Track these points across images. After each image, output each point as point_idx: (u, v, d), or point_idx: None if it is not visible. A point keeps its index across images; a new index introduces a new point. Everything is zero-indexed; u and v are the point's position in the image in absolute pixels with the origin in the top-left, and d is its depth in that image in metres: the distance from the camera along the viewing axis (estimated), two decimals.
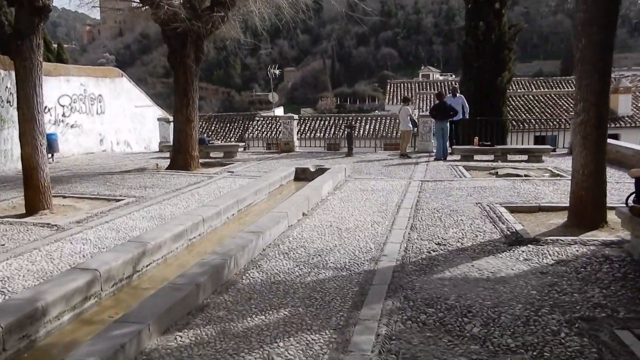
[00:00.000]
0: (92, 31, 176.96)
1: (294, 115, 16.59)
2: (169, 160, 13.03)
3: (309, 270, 5.20)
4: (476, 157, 13.56)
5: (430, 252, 5.70)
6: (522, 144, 19.20)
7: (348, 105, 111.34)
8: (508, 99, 20.46)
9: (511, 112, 23.61)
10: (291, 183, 10.67)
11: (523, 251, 5.59)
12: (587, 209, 6.45)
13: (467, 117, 14.89)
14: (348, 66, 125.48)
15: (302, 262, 5.44)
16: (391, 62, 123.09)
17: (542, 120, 24.08)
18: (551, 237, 6.00)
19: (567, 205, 7.08)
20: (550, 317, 4.00)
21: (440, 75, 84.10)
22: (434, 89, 33.56)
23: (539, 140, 22.88)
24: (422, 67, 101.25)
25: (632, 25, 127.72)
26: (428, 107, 24.66)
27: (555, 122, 23.79)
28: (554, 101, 26.24)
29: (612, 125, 22.55)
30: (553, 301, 4.31)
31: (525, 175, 10.49)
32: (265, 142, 24.30)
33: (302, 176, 10.98)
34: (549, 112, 25.22)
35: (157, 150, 17.24)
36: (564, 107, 25.62)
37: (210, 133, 26.83)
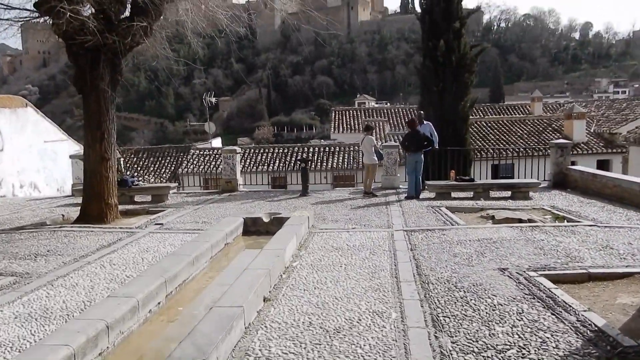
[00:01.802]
0: (13, 62, 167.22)
1: (236, 147, 14.14)
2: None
3: None
4: (454, 193, 11.62)
5: None
6: (482, 175, 17.68)
7: (285, 134, 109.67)
8: (470, 126, 18.96)
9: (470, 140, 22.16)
10: (239, 239, 8.20)
11: None
12: None
13: (437, 146, 12.97)
14: (284, 95, 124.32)
15: None
16: (327, 90, 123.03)
17: (500, 149, 22.85)
18: None
19: (626, 270, 5.16)
20: None
21: (376, 103, 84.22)
22: (380, 116, 32.09)
23: (497, 170, 21.66)
24: (358, 95, 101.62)
25: (552, 55, 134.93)
26: (377, 136, 22.99)
27: (513, 150, 22.66)
28: (507, 127, 25.20)
29: (573, 152, 21.57)
30: None
31: (529, 220, 8.55)
32: (203, 178, 21.61)
33: (253, 229, 8.54)
34: (505, 139, 24.08)
35: (70, 194, 14.24)
36: (518, 134, 24.58)
37: (138, 170, 23.83)
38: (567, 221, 8.68)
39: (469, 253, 6.61)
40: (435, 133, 13.38)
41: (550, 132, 24.74)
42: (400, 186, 13.51)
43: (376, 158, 12.40)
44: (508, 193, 11.55)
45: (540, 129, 25.10)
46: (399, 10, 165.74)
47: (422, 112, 13.56)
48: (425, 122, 13.11)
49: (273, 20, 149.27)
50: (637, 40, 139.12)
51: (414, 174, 11.88)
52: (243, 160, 23.43)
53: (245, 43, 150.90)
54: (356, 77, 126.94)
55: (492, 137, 24.23)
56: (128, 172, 14.80)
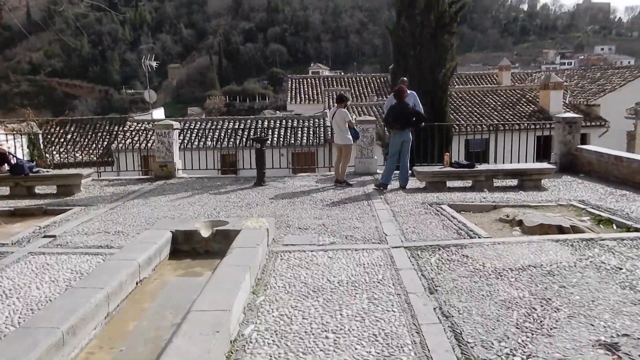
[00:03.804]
0: None
1: (174, 122, 11.19)
2: None
3: None
4: (449, 182, 9.21)
5: None
6: (457, 153, 15.45)
7: (238, 104, 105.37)
8: (451, 97, 16.68)
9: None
10: (164, 266, 5.48)
11: None
12: None
13: (424, 120, 10.45)
14: (236, 63, 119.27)
15: None
16: (280, 59, 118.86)
17: (485, 124, 20.72)
18: None
19: None
20: None
21: (329, 72, 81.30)
22: (341, 85, 29.39)
23: (467, 146, 19.55)
24: (312, 64, 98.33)
25: (502, 26, 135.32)
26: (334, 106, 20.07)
27: (500, 125, 20.55)
28: (479, 98, 23.07)
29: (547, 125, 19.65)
30: None
31: (573, 228, 6.21)
32: (141, 156, 18.45)
33: (187, 247, 5.83)
34: (478, 111, 21.93)
35: None
36: (492, 105, 22.49)
37: (65, 144, 20.39)
38: (617, 226, 6.44)
39: (526, 300, 4.18)
40: (421, 105, 10.91)
41: (525, 104, 22.78)
42: (379, 171, 11.03)
43: (351, 137, 9.80)
44: (514, 181, 9.27)
45: (514, 99, 23.10)
46: None
47: (405, 78, 11.01)
48: (409, 91, 10.59)
49: None
50: (582, 12, 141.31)
51: (395, 158, 9.40)
52: (186, 135, 20.38)
53: (195, 8, 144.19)
54: (310, 45, 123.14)
55: (465, 109, 22.03)
56: (22, 155, 11.44)
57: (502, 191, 8.79)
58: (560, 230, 6.14)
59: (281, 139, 20.17)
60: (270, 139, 20.05)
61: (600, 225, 6.58)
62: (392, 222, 6.87)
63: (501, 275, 4.74)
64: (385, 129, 11.33)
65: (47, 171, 9.58)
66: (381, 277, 4.81)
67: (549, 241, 5.70)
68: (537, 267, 4.91)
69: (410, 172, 9.57)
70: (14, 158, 9.84)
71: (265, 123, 21.90)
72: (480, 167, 9.21)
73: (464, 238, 6.02)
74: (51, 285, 4.83)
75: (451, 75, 15.06)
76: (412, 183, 9.57)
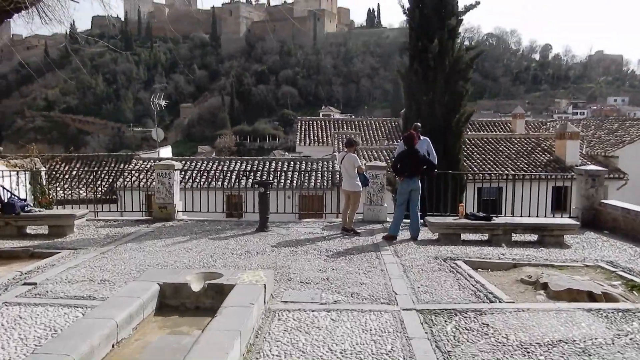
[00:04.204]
0: None
1: (175, 162, 10.77)
2: None
3: None
4: (464, 235, 8.64)
5: None
6: (469, 201, 14.91)
7: (248, 144, 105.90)
8: (464, 144, 16.23)
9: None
10: (148, 323, 4.91)
11: None
12: None
13: (436, 170, 9.95)
14: (247, 104, 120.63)
15: None
16: (291, 101, 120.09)
17: (490, 171, 20.24)
18: None
19: None
20: None
21: (340, 115, 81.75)
22: (352, 129, 29.17)
23: (480, 194, 18.99)
24: (323, 107, 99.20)
25: (513, 75, 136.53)
26: (343, 150, 19.48)
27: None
28: (492, 145, 22.64)
29: (566, 176, 19.07)
30: None
31: (605, 296, 5.59)
32: (145, 194, 18.03)
33: (175, 302, 5.26)
34: (491, 158, 21.47)
35: None
36: (505, 153, 22.03)
37: (69, 180, 20.04)
38: None
39: None
40: (434, 152, 10.46)
41: (540, 153, 22.30)
42: (388, 219, 10.48)
43: (360, 183, 9.31)
44: (534, 236, 8.67)
45: (529, 148, 22.63)
46: (365, 24, 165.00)
47: (419, 124, 10.60)
48: (422, 137, 10.17)
49: (238, 28, 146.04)
50: (594, 63, 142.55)
51: (403, 207, 8.87)
52: (192, 174, 20.00)
53: (209, 50, 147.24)
54: (321, 88, 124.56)
55: (477, 156, 21.59)
56: (16, 192, 10.84)
57: (521, 247, 8.19)
58: (591, 297, 5.52)
59: (288, 181, 19.71)
60: (277, 181, 19.64)
61: (634, 292, 5.95)
62: (402, 279, 6.29)
63: (529, 352, 4.13)
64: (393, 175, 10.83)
65: (40, 210, 9.13)
66: (390, 348, 4.21)
67: (580, 310, 5.08)
68: (569, 343, 4.30)
69: (421, 221, 9.03)
70: (9, 193, 9.43)
71: (273, 164, 21.52)
72: (498, 219, 8.64)
73: (484, 302, 5.42)
74: (19, 344, 4.28)
75: (466, 122, 14.62)
76: (424, 234, 9.00)
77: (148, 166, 20.48)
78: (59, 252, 7.48)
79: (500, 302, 5.40)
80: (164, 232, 9.25)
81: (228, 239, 8.71)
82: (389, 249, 7.96)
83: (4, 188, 10.87)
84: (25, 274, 6.34)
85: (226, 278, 5.44)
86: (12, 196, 9.14)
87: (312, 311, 5.11)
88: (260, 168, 20.93)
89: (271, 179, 18.02)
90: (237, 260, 7.15)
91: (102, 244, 8.16)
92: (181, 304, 5.26)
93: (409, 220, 9.05)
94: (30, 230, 9.04)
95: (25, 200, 9.12)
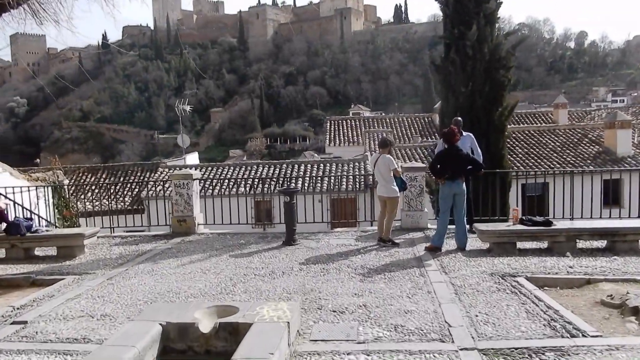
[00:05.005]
0: (2, 74, 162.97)
1: (193, 170, 9.96)
2: None
3: None
4: (519, 243, 7.50)
5: None
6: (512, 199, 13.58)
7: (279, 146, 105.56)
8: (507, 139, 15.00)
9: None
10: None
11: None
12: None
13: (482, 169, 8.77)
14: (277, 106, 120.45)
15: None
16: (320, 101, 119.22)
17: (534, 165, 18.88)
18: None
19: None
20: None
21: (370, 113, 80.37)
22: (383, 126, 28.02)
23: (523, 190, 17.62)
24: (352, 106, 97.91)
25: (548, 64, 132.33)
26: (376, 150, 17.84)
27: (548, 166, 18.66)
28: (535, 138, 21.18)
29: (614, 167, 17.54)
30: None
31: None
32: (171, 204, 17.34)
33: (181, 346, 4.35)
34: (535, 152, 20.05)
35: None
36: (550, 146, 20.56)
37: (95, 191, 19.56)
38: None
39: None
40: (479, 149, 9.32)
41: (587, 144, 20.73)
42: (429, 225, 9.41)
43: (397, 188, 8.25)
44: (602, 242, 7.46)
45: (575, 140, 21.08)
46: (392, 20, 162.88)
47: (459, 118, 9.48)
48: (465, 133, 9.04)
49: (265, 31, 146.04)
50: (633, 49, 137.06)
51: (447, 214, 7.77)
52: (214, 181, 19.21)
53: (237, 54, 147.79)
54: (350, 87, 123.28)
55: (520, 150, 20.19)
56: (24, 210, 10.05)
57: (589, 256, 7.00)
58: None
59: (318, 185, 18.75)
60: (307, 184, 18.70)
61: None
62: (455, 304, 5.24)
63: None
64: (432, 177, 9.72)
65: (47, 230, 8.39)
66: None
67: None
68: None
69: (467, 227, 7.93)
70: (25, 210, 8.76)
71: (302, 167, 20.59)
72: (560, 224, 7.46)
73: (562, 336, 4.32)
74: None
75: (509, 114, 13.39)
76: (472, 242, 7.91)
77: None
78: (63, 279, 6.69)
79: (584, 335, 4.30)
80: (181, 249, 8.40)
81: (251, 255, 7.79)
82: (434, 264, 6.91)
83: (16, 203, 10.28)
84: (18, 308, 5.55)
85: (242, 314, 4.49)
86: (17, 216, 8.44)
87: (348, 354, 4.12)
88: (289, 172, 20.02)
89: (299, 184, 17.11)
90: (259, 284, 6.21)
91: (112, 266, 7.35)
92: (188, 347, 4.34)
93: (453, 227, 7.98)
94: (38, 251, 8.33)
95: (31, 219, 8.40)
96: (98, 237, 9.25)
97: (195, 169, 19.57)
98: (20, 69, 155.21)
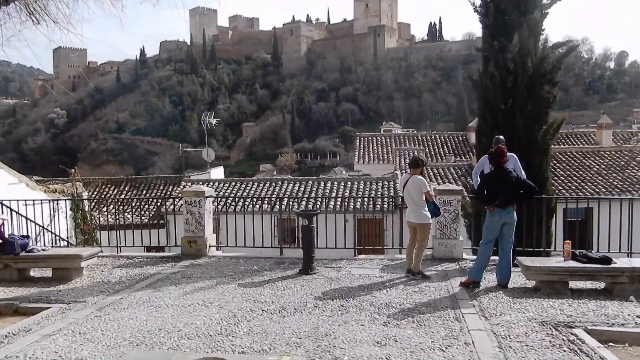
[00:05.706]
0: (44, 86, 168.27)
1: (206, 188, 9.17)
2: None
3: None
4: (572, 282, 6.44)
5: None
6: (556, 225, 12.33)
7: (309, 161, 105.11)
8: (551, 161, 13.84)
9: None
10: None
11: None
12: None
13: (534, 194, 7.73)
14: (308, 121, 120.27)
15: None
16: (352, 117, 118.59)
17: (577, 189, 17.60)
18: None
19: None
20: None
21: (402, 130, 79.24)
22: (414, 144, 27.00)
23: (565, 215, 16.33)
24: (384, 123, 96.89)
25: (586, 84, 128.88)
26: (406, 169, 16.31)
27: (593, 190, 17.36)
28: (578, 160, 19.86)
29: None
30: None
31: None
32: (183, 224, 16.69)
33: None
34: (578, 175, 18.74)
35: None
36: (594, 169, 19.22)
37: (117, 205, 19.07)
38: None
39: None
40: (523, 171, 8.31)
41: (636, 167, 19.30)
42: (464, 255, 8.39)
43: (429, 213, 7.30)
44: None
45: (622, 163, 19.67)
46: (426, 38, 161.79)
47: (502, 137, 8.51)
48: (508, 153, 8.04)
49: (299, 47, 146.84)
50: None
51: (492, 245, 6.79)
52: (237, 197, 18.52)
53: (270, 69, 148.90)
54: (382, 104, 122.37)
55: (562, 172, 18.91)
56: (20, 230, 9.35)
57: None
58: None
59: (344, 204, 17.83)
60: (330, 203, 17.80)
61: None
62: (496, 359, 4.26)
63: None
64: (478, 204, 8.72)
65: (44, 249, 7.70)
66: None
67: None
68: None
69: (513, 261, 6.91)
70: (28, 222, 8.15)
71: (328, 185, 19.70)
72: (620, 263, 6.37)
73: None
74: None
75: (555, 134, 12.26)
76: (514, 276, 6.87)
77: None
78: (48, 308, 5.95)
79: None
80: (188, 274, 7.60)
81: (263, 285, 6.93)
82: (472, 305, 5.91)
83: (20, 215, 9.72)
84: None
85: None
86: (12, 233, 7.80)
87: None
88: (315, 190, 19.15)
89: (322, 203, 16.22)
90: (266, 323, 5.34)
91: (107, 293, 6.59)
92: None
93: (493, 258, 6.99)
94: (34, 273, 7.65)
95: (27, 237, 7.73)
96: (102, 257, 8.56)
97: (207, 184, 18.85)
98: (61, 81, 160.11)
